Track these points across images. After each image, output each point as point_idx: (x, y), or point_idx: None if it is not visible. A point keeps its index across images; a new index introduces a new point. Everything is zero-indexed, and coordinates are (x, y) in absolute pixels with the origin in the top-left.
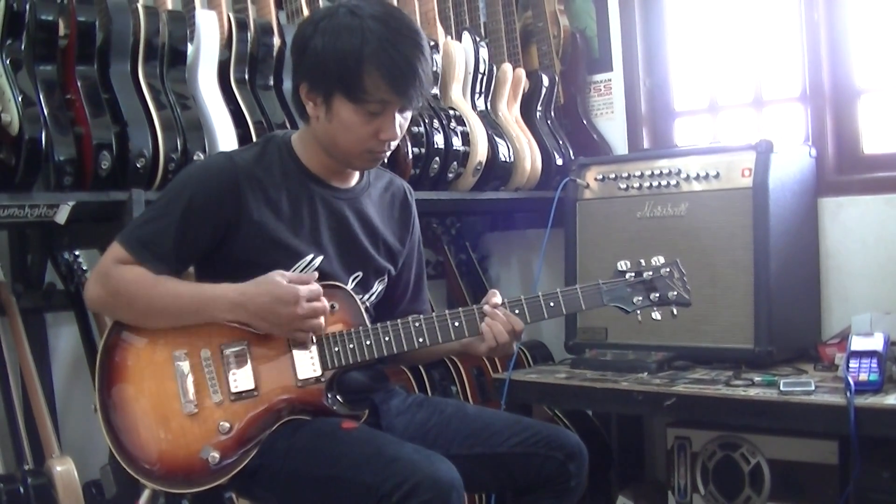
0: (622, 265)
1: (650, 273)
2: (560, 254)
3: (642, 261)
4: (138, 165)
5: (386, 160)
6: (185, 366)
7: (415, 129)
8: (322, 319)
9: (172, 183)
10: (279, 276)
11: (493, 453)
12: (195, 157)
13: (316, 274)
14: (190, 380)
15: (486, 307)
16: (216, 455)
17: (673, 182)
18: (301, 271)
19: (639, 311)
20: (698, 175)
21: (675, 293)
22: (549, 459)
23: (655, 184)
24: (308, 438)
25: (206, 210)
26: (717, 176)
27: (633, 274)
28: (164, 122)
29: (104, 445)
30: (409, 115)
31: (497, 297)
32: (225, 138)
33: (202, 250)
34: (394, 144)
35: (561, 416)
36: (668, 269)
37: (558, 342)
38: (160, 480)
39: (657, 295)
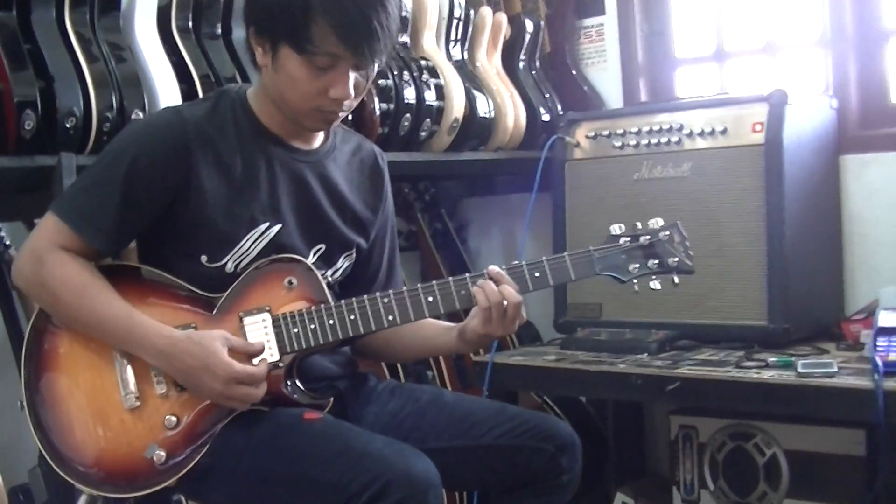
0: (616, 229)
1: (647, 237)
2: (547, 222)
3: (639, 224)
4: (68, 126)
5: (349, 118)
6: (125, 355)
7: (382, 82)
8: (246, 406)
9: (113, 143)
10: (220, 342)
11: (475, 446)
12: (133, 116)
13: (264, 349)
14: (130, 369)
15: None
16: (162, 454)
17: (674, 139)
18: (255, 241)
19: (636, 281)
20: (703, 131)
21: (676, 259)
22: (537, 452)
23: (654, 141)
24: (266, 432)
25: (152, 174)
26: (724, 132)
27: (628, 239)
28: (97, 77)
29: (33, 445)
30: (369, 72)
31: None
32: (167, 94)
33: (147, 221)
34: (350, 105)
35: (551, 404)
36: (667, 233)
37: (547, 320)
38: (99, 484)
39: (656, 262)
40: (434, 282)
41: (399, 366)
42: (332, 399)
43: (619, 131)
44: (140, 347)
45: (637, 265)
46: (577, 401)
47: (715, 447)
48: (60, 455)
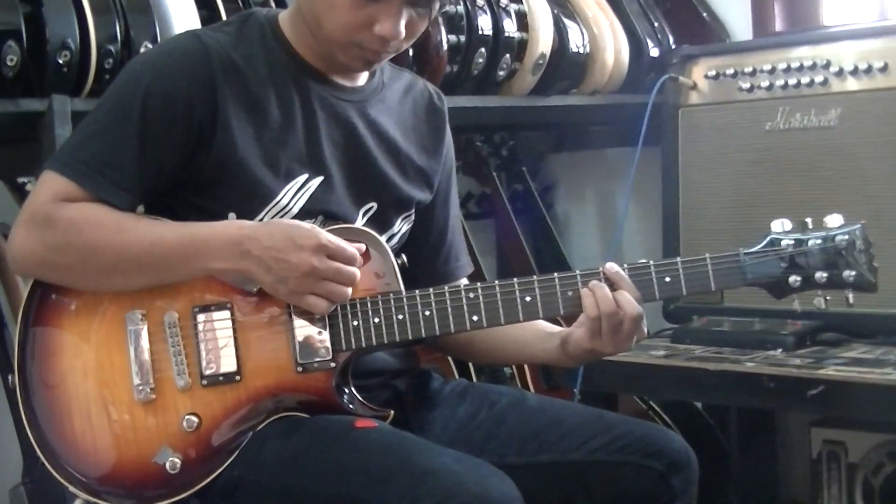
0: (779, 225)
1: (818, 241)
2: (655, 183)
3: (808, 221)
4: (60, 62)
5: (408, 52)
6: (141, 332)
7: (451, 8)
8: (349, 290)
9: (119, 77)
10: (301, 222)
11: (565, 462)
12: (143, 49)
13: (363, 247)
14: (147, 353)
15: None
16: (177, 460)
17: (818, 79)
18: (295, 195)
19: (796, 297)
20: (856, 68)
21: (854, 273)
22: (643, 471)
23: (793, 82)
24: (308, 442)
25: (172, 109)
26: (883, 69)
27: (791, 241)
28: (96, 0)
29: (14, 457)
30: (430, 10)
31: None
32: (183, 22)
33: (170, 171)
34: (398, 47)
35: (659, 411)
36: (845, 237)
37: (654, 306)
38: (97, 489)
39: (825, 275)
40: (535, 277)
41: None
42: (391, 412)
43: (748, 69)
44: (212, 252)
45: (799, 278)
46: (693, 407)
47: (869, 469)
48: (52, 448)
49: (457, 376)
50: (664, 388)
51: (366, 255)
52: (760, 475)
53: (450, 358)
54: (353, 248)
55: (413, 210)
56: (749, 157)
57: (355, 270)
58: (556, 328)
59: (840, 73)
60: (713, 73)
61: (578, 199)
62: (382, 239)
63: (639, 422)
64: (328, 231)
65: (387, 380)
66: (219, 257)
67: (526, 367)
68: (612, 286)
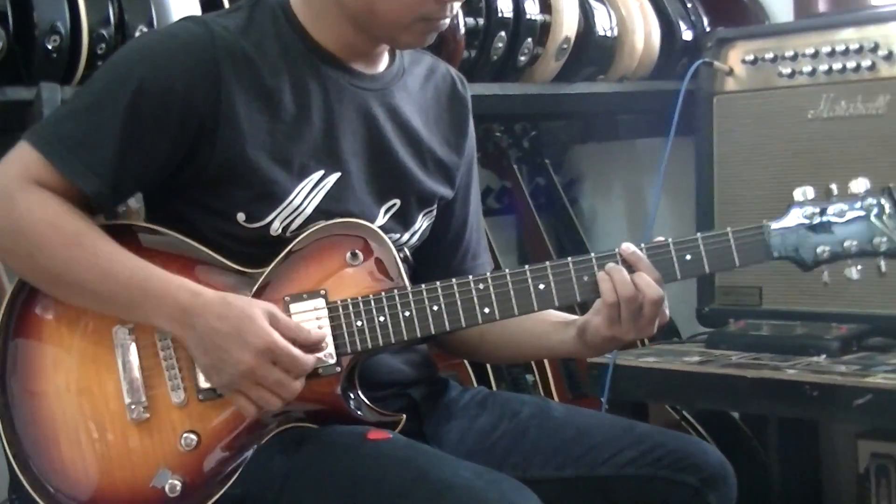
0: (800, 195)
1: (844, 207)
2: (688, 176)
3: (834, 186)
4: (49, 47)
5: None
6: (130, 348)
7: None
8: (280, 403)
9: (115, 57)
10: (261, 311)
11: (592, 477)
12: (138, 33)
13: (325, 338)
14: (137, 369)
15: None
16: (177, 482)
17: (865, 63)
18: (310, 194)
19: (825, 268)
20: None
21: (885, 239)
22: (677, 486)
23: (838, 66)
24: (316, 456)
25: (167, 103)
26: None
27: (817, 210)
28: None
29: (1, 475)
30: None
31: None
32: (182, 6)
33: (158, 168)
34: (454, 8)
35: (693, 422)
36: (874, 201)
37: (687, 308)
38: None
39: (854, 243)
40: (548, 263)
41: (489, 368)
42: (404, 417)
43: (789, 53)
44: (157, 308)
45: (827, 247)
46: (729, 417)
47: None
48: (39, 480)
49: (475, 384)
50: (698, 396)
51: (366, 251)
52: (802, 491)
53: (468, 365)
54: (307, 359)
55: (435, 206)
56: (790, 149)
57: (297, 385)
58: (572, 317)
59: (889, 57)
60: (751, 57)
61: (605, 194)
62: (381, 232)
63: (672, 433)
64: (328, 225)
65: (400, 389)
66: (161, 316)
67: (550, 374)
68: (630, 268)
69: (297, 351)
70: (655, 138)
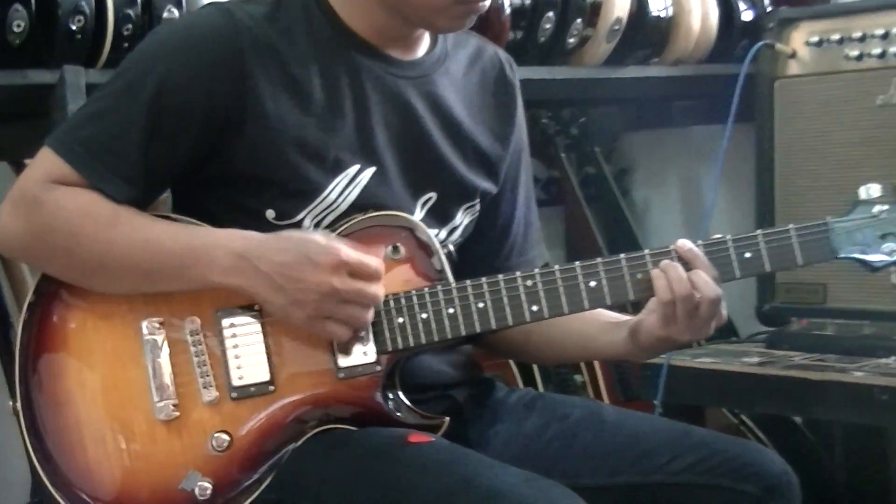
0: (865, 192)
1: None
2: (747, 166)
3: None
4: (73, 28)
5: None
6: (159, 343)
7: None
8: (371, 314)
9: (135, 53)
10: (319, 234)
11: (646, 484)
12: (166, 15)
13: (380, 263)
14: (167, 366)
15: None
16: (207, 485)
17: None
18: (344, 191)
19: (893, 269)
20: None
21: None
22: (736, 496)
23: None
24: (354, 460)
25: (191, 99)
26: None
27: (885, 207)
28: None
29: (21, 476)
30: None
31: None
32: None
33: (184, 165)
34: None
35: (752, 426)
36: None
37: (746, 306)
38: None
39: None
40: (599, 260)
41: (536, 368)
42: (447, 419)
43: (856, 34)
44: (209, 261)
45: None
46: (791, 423)
47: None
48: (65, 480)
49: (521, 385)
50: (759, 400)
51: (408, 244)
52: (870, 502)
53: (513, 365)
54: (377, 263)
55: (477, 201)
56: (857, 136)
57: (379, 290)
58: (623, 317)
59: None
60: (815, 39)
61: (659, 185)
62: (423, 226)
63: (731, 439)
64: (366, 218)
65: (443, 391)
66: (218, 271)
67: (600, 375)
68: (687, 265)
69: (366, 257)
70: (712, 125)
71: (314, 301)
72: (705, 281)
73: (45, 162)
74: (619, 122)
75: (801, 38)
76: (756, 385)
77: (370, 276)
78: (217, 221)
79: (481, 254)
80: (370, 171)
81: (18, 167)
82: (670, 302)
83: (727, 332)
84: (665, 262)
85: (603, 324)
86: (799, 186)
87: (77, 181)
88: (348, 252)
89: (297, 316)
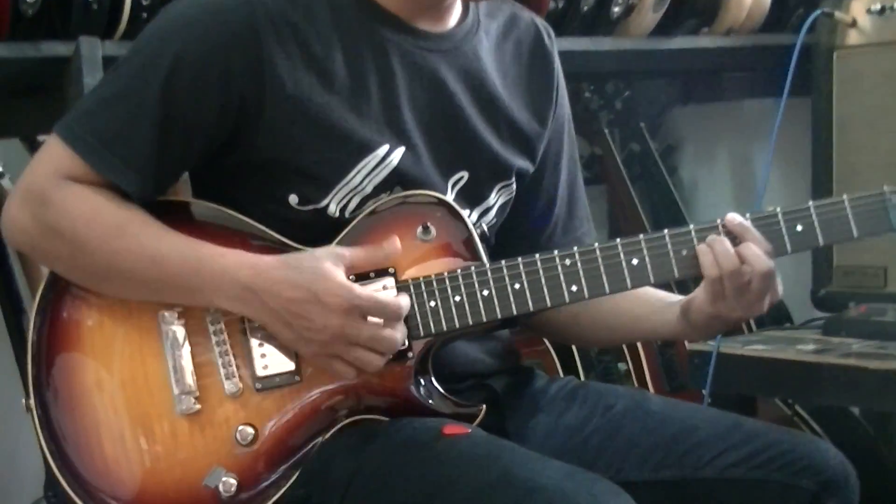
0: None
1: None
2: (802, 142)
3: None
4: None
5: None
6: (179, 333)
7: None
8: (383, 360)
9: (145, 32)
10: (331, 261)
11: (695, 479)
12: None
13: (406, 301)
14: (188, 357)
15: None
16: (232, 481)
17: None
18: (371, 173)
19: None
20: None
21: None
22: (791, 491)
23: None
24: (387, 453)
25: (205, 82)
26: None
27: None
28: None
29: (36, 468)
30: None
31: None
32: None
33: (201, 151)
34: None
35: (806, 418)
36: None
37: (801, 291)
38: None
39: None
40: (642, 236)
41: (577, 355)
42: (483, 407)
43: None
44: (216, 289)
45: None
46: (848, 414)
47: None
48: (81, 480)
49: (562, 374)
50: (814, 390)
51: (439, 224)
52: None
53: (553, 353)
54: (396, 303)
55: (513, 180)
56: None
57: (396, 333)
58: (675, 296)
59: None
60: (877, 6)
61: (708, 161)
62: (456, 205)
63: (785, 431)
64: (394, 197)
65: (480, 380)
66: (225, 299)
67: (645, 362)
68: (735, 240)
69: (380, 295)
70: (766, 99)
71: (321, 342)
72: (756, 254)
73: (55, 153)
74: (666, 96)
75: (861, 6)
76: (811, 374)
77: (388, 318)
78: (239, 207)
79: (524, 234)
80: (399, 151)
81: (32, 144)
82: (718, 278)
83: (781, 317)
84: (711, 237)
85: (654, 303)
86: (858, 164)
87: (88, 174)
88: (360, 294)
89: (304, 352)
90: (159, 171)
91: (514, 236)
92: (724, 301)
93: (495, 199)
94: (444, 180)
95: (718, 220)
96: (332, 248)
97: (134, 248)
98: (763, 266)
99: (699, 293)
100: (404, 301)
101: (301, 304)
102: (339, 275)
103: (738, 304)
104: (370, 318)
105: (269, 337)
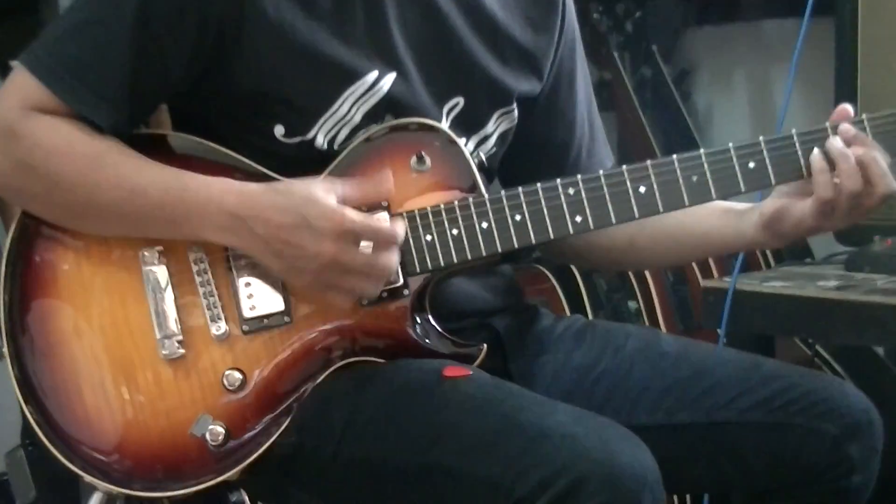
0: None
1: None
2: (825, 65)
3: None
4: None
5: None
6: (160, 273)
7: None
8: (380, 286)
9: None
10: (321, 188)
11: (711, 423)
12: None
13: (401, 227)
14: (171, 298)
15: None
16: (219, 429)
17: None
18: (358, 101)
19: None
20: None
21: None
22: (812, 435)
23: None
24: (384, 397)
25: (181, 6)
26: None
27: None
28: None
29: (13, 417)
30: None
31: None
32: None
33: (175, 84)
34: None
35: (828, 358)
36: None
37: None
38: (122, 478)
39: None
40: (649, 162)
41: (585, 293)
42: (484, 346)
43: None
44: (201, 219)
45: None
46: (872, 354)
47: None
48: (61, 432)
49: (568, 312)
50: (836, 329)
51: (434, 154)
52: None
53: (560, 290)
54: (390, 227)
55: (513, 106)
56: None
57: (391, 259)
58: (742, 205)
59: None
60: None
61: (725, 87)
62: (451, 134)
63: (806, 372)
64: (385, 126)
65: (482, 319)
66: (211, 228)
67: (657, 300)
68: (849, 143)
69: (377, 221)
70: (786, 19)
71: (313, 270)
72: (882, 173)
73: (22, 85)
74: (680, 17)
75: None
76: (833, 312)
77: (382, 242)
78: (222, 140)
79: (549, 161)
80: (389, 77)
81: (4, 70)
82: (830, 200)
83: (800, 252)
84: (836, 148)
85: (722, 213)
86: (884, 87)
87: (57, 107)
88: (353, 217)
89: (296, 283)
90: (133, 102)
91: (538, 165)
92: (832, 219)
93: (494, 127)
94: (439, 107)
95: (827, 124)
96: (323, 178)
97: (113, 180)
98: (886, 189)
99: (797, 204)
100: (399, 227)
101: (291, 229)
102: (331, 199)
103: (847, 217)
104: (363, 244)
105: (257, 275)
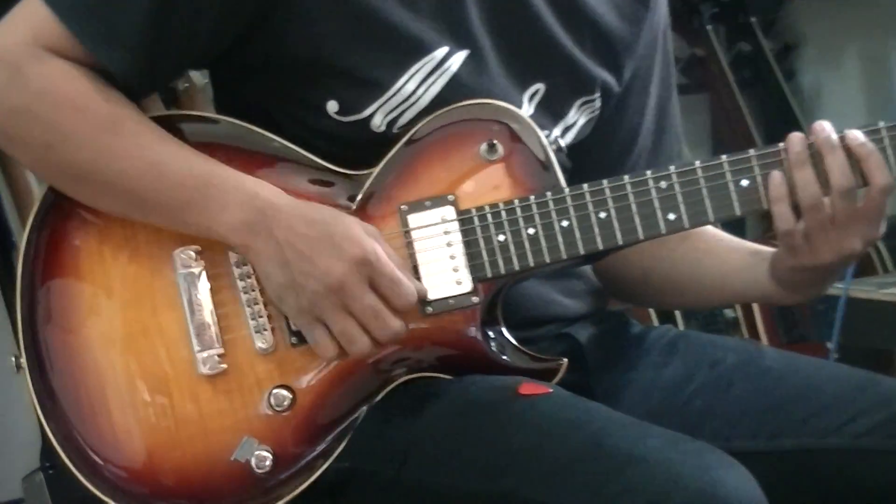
0: None
1: None
2: None
3: None
4: None
5: None
6: (199, 276)
7: None
8: (369, 344)
9: None
10: (360, 223)
11: (820, 449)
12: None
13: (424, 290)
14: (209, 306)
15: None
16: (266, 454)
17: None
18: (426, 81)
19: None
20: None
21: None
22: None
23: None
24: (451, 417)
25: None
26: None
27: None
28: None
29: (31, 437)
30: None
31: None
32: None
33: (205, 44)
34: None
35: None
36: None
37: None
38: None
39: None
40: (751, 151)
41: None
42: (565, 361)
43: None
44: (221, 208)
45: None
46: None
47: None
48: (86, 453)
49: (657, 322)
50: None
51: (508, 142)
52: None
53: None
54: (413, 287)
55: (597, 95)
56: None
57: (396, 324)
58: (761, 247)
59: None
60: None
61: (833, 63)
62: (530, 121)
63: None
64: (453, 109)
65: (560, 328)
66: (228, 219)
67: (757, 310)
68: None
69: (400, 273)
70: None
71: (313, 292)
72: (837, 167)
73: (34, 16)
74: None
75: None
76: None
77: (394, 297)
78: (265, 116)
79: (599, 168)
80: (461, 54)
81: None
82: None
83: None
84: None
85: (744, 255)
86: None
87: (70, 45)
88: (380, 253)
89: (288, 302)
90: (152, 52)
91: (590, 164)
92: (802, 252)
93: (575, 117)
94: (520, 92)
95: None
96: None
97: (132, 149)
98: (841, 183)
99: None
100: (421, 289)
101: (311, 241)
102: (365, 234)
103: (825, 243)
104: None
105: None
